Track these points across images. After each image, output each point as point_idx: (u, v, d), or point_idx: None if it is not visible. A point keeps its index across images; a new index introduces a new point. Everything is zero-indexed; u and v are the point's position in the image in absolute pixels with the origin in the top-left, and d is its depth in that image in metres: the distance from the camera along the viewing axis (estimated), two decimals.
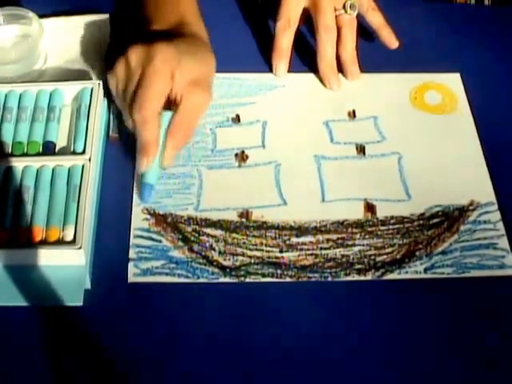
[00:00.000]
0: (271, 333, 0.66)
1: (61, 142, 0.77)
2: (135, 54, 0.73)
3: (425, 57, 0.88)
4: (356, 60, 0.85)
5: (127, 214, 0.73)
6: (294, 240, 0.72)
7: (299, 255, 0.71)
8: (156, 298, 0.68)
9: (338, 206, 0.75)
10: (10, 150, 0.75)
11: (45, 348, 0.65)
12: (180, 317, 0.67)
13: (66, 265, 0.68)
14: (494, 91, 0.85)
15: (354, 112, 0.83)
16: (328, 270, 0.70)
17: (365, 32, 0.88)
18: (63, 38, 0.86)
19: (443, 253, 0.71)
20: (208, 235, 0.72)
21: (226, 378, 0.64)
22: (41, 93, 0.79)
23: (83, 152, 0.74)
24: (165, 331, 0.66)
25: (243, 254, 0.71)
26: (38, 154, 0.75)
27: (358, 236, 0.72)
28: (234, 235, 0.72)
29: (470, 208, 0.75)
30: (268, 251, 0.71)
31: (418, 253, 0.71)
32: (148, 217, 0.73)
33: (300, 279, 0.69)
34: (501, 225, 0.73)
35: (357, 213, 0.74)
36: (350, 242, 0.72)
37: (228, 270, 0.70)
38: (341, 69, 0.85)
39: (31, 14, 0.83)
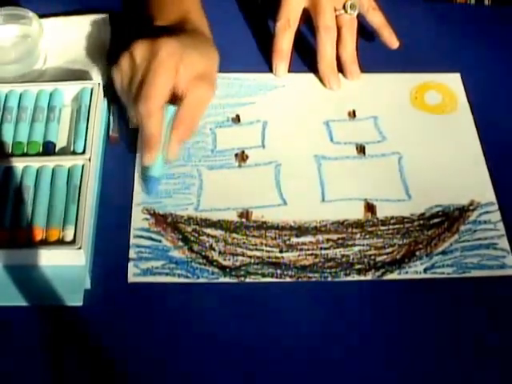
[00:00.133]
0: (271, 333, 0.66)
1: (61, 142, 0.77)
2: (140, 49, 0.74)
3: (425, 57, 0.88)
4: (356, 60, 0.85)
5: (127, 213, 0.73)
6: (294, 240, 0.72)
7: (299, 255, 0.71)
8: (156, 297, 0.68)
9: (338, 205, 0.75)
10: (10, 150, 0.75)
11: (45, 348, 0.65)
12: (180, 317, 0.67)
13: (65, 265, 0.68)
14: (494, 91, 0.85)
15: (354, 112, 0.83)
16: (328, 270, 0.70)
17: (365, 32, 0.88)
18: (63, 37, 0.86)
19: (443, 253, 0.71)
20: (208, 235, 0.72)
21: (226, 377, 0.64)
22: (41, 93, 0.79)
23: (83, 152, 0.74)
24: (165, 331, 0.66)
25: (243, 254, 0.71)
26: (38, 154, 0.75)
27: (358, 236, 0.72)
28: (234, 235, 0.72)
29: (471, 208, 0.75)
30: (268, 251, 0.71)
31: (418, 253, 0.71)
32: (148, 217, 0.73)
33: (300, 279, 0.69)
34: (501, 225, 0.73)
35: (357, 213, 0.74)
36: (350, 242, 0.72)
37: (228, 270, 0.70)
38: (341, 69, 0.85)
39: (31, 14, 0.83)
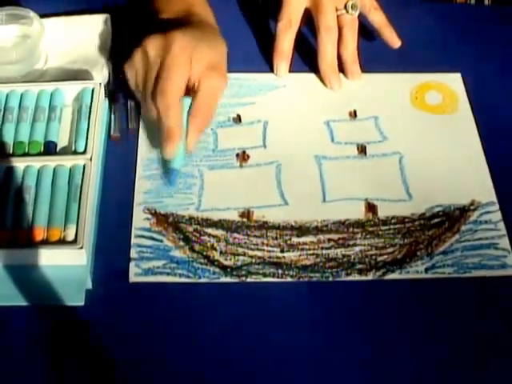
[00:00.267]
0: (272, 333, 0.66)
1: (62, 142, 0.77)
2: (152, 44, 0.75)
3: (425, 57, 0.88)
4: (357, 60, 0.85)
5: (128, 213, 0.73)
6: (295, 240, 0.72)
7: (300, 255, 0.71)
8: (157, 297, 0.68)
9: (339, 205, 0.75)
10: (11, 150, 0.75)
11: (45, 348, 0.65)
12: (180, 317, 0.67)
13: (67, 265, 0.68)
14: (494, 91, 0.85)
15: (354, 112, 0.83)
16: (329, 270, 0.70)
17: (365, 32, 0.88)
18: (64, 37, 0.86)
19: (444, 253, 0.71)
20: (209, 235, 0.72)
21: (226, 377, 0.64)
22: (42, 93, 0.79)
23: (84, 152, 0.74)
24: (165, 331, 0.66)
25: (244, 254, 0.71)
26: (39, 154, 0.75)
27: (359, 236, 0.72)
28: (236, 235, 0.72)
29: (471, 208, 0.75)
30: (269, 251, 0.71)
31: (419, 253, 0.71)
32: (149, 216, 0.73)
33: (301, 279, 0.69)
34: (502, 225, 0.73)
35: (358, 213, 0.74)
36: (351, 242, 0.72)
37: (229, 269, 0.70)
38: (342, 69, 0.85)
39: (32, 14, 0.84)
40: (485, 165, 0.78)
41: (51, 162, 0.74)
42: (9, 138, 0.76)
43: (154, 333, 0.66)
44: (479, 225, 0.73)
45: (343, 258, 0.71)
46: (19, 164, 0.74)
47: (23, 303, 0.66)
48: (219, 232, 0.72)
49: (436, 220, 0.74)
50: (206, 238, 0.72)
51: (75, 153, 0.75)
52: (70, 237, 0.68)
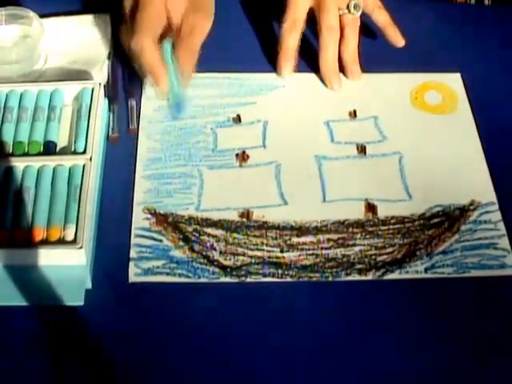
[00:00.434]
0: (271, 332, 0.66)
1: (61, 142, 0.77)
2: None
3: (425, 57, 0.88)
4: (357, 60, 0.85)
5: (128, 213, 0.73)
6: (295, 240, 0.72)
7: (300, 255, 0.71)
8: (157, 297, 0.68)
9: (339, 205, 0.75)
10: (10, 150, 0.75)
11: (45, 348, 0.65)
12: (180, 317, 0.67)
13: (66, 265, 0.68)
14: (494, 91, 0.85)
15: (354, 112, 0.83)
16: (329, 270, 0.70)
17: (366, 32, 0.88)
18: (64, 37, 0.86)
19: (444, 253, 0.71)
20: (209, 235, 0.72)
21: (226, 377, 0.64)
22: (41, 93, 0.79)
23: (84, 152, 0.74)
24: (165, 331, 0.66)
25: (244, 254, 0.71)
26: (38, 154, 0.75)
27: (358, 236, 0.72)
28: (235, 235, 0.72)
29: (471, 208, 0.75)
30: (269, 251, 0.71)
31: (418, 253, 0.71)
32: (149, 216, 0.73)
33: (301, 279, 0.69)
34: (501, 225, 0.73)
35: (357, 213, 0.74)
36: (350, 242, 0.72)
37: (229, 269, 0.70)
38: (342, 68, 0.85)
39: (32, 14, 0.84)
40: (484, 165, 0.78)
41: (51, 161, 0.74)
42: (8, 138, 0.76)
43: (154, 333, 0.66)
44: (479, 225, 0.73)
45: (343, 257, 0.71)
46: (19, 164, 0.74)
47: (23, 303, 0.66)
48: (219, 232, 0.72)
49: (436, 220, 0.74)
50: (205, 237, 0.72)
51: (75, 153, 0.75)
52: (70, 237, 0.68)
